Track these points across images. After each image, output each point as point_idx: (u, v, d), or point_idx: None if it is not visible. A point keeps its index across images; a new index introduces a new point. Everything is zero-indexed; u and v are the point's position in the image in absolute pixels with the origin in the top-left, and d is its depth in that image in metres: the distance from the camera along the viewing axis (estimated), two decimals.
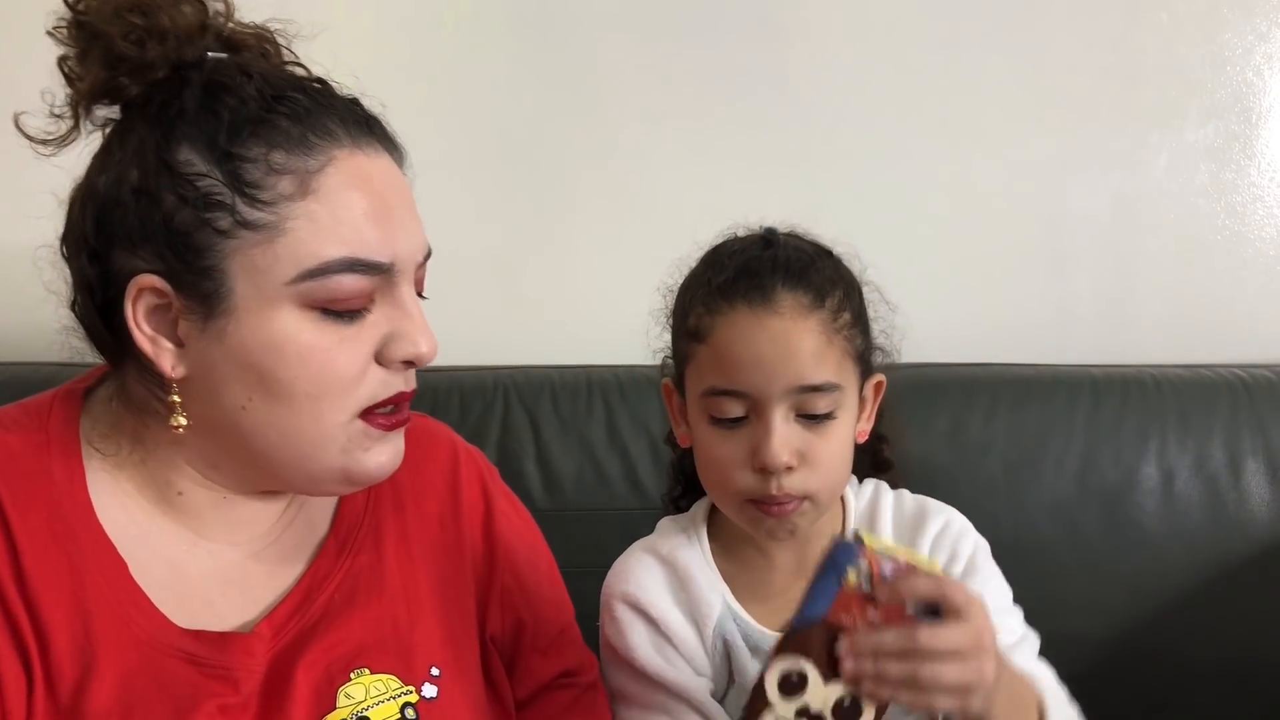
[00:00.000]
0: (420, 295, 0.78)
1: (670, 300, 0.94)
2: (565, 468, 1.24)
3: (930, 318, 1.39)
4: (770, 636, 0.89)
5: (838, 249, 0.92)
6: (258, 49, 0.76)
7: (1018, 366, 1.34)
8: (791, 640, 0.72)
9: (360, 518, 0.82)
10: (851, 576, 0.70)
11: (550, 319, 1.43)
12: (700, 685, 0.88)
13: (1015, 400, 1.28)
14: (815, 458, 0.85)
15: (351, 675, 0.75)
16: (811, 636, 0.71)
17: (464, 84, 1.40)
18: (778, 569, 0.92)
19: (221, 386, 0.72)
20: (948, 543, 0.96)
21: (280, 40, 0.78)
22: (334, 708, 0.74)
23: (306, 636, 0.75)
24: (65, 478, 0.73)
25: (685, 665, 0.88)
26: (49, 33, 0.74)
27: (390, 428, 0.75)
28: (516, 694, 0.86)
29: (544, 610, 0.89)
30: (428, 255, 0.77)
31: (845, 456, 0.89)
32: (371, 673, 0.76)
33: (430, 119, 1.39)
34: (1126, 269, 1.46)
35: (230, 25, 0.75)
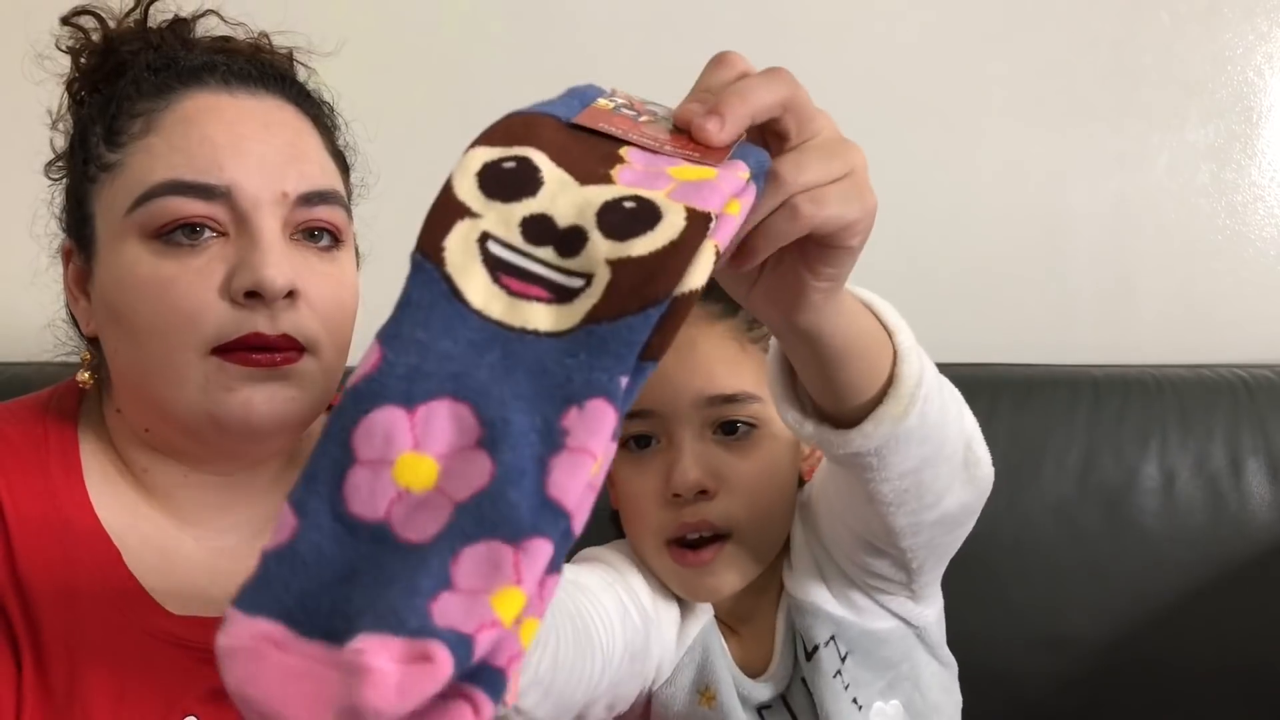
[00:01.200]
0: (330, 237, 0.75)
1: None
2: None
3: (930, 318, 1.38)
4: (750, 684, 0.82)
5: None
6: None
7: (1018, 366, 1.34)
8: (502, 128, 0.45)
9: None
10: (602, 101, 0.50)
11: None
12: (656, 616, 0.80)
13: (1015, 400, 1.28)
14: (734, 479, 0.78)
15: None
16: (543, 126, 0.45)
17: (464, 84, 1.40)
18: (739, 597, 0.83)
19: (103, 335, 0.74)
20: None
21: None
22: None
23: None
24: (62, 470, 0.74)
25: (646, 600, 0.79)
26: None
27: (248, 364, 0.70)
28: None
29: None
30: (316, 197, 0.73)
31: (774, 486, 0.81)
32: None
33: (431, 120, 1.39)
34: (1127, 269, 1.45)
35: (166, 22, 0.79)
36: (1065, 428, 1.26)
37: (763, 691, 0.82)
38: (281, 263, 0.70)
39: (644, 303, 0.40)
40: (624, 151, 0.45)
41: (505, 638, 0.36)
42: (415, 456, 0.37)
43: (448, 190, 0.42)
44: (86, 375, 0.77)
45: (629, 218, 0.41)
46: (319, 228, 0.74)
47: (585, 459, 0.38)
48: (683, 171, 0.44)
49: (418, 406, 0.38)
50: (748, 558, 0.80)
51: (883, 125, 1.42)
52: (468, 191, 0.42)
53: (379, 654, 0.34)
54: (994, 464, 1.28)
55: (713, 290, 0.79)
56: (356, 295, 0.78)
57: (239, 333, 0.70)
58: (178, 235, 0.69)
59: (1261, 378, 1.31)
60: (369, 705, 0.33)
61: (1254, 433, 1.26)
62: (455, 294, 0.40)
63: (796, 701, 0.81)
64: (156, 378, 0.71)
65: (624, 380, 0.39)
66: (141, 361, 0.71)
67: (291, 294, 0.71)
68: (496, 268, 0.41)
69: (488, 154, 0.43)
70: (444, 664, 0.34)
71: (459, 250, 0.41)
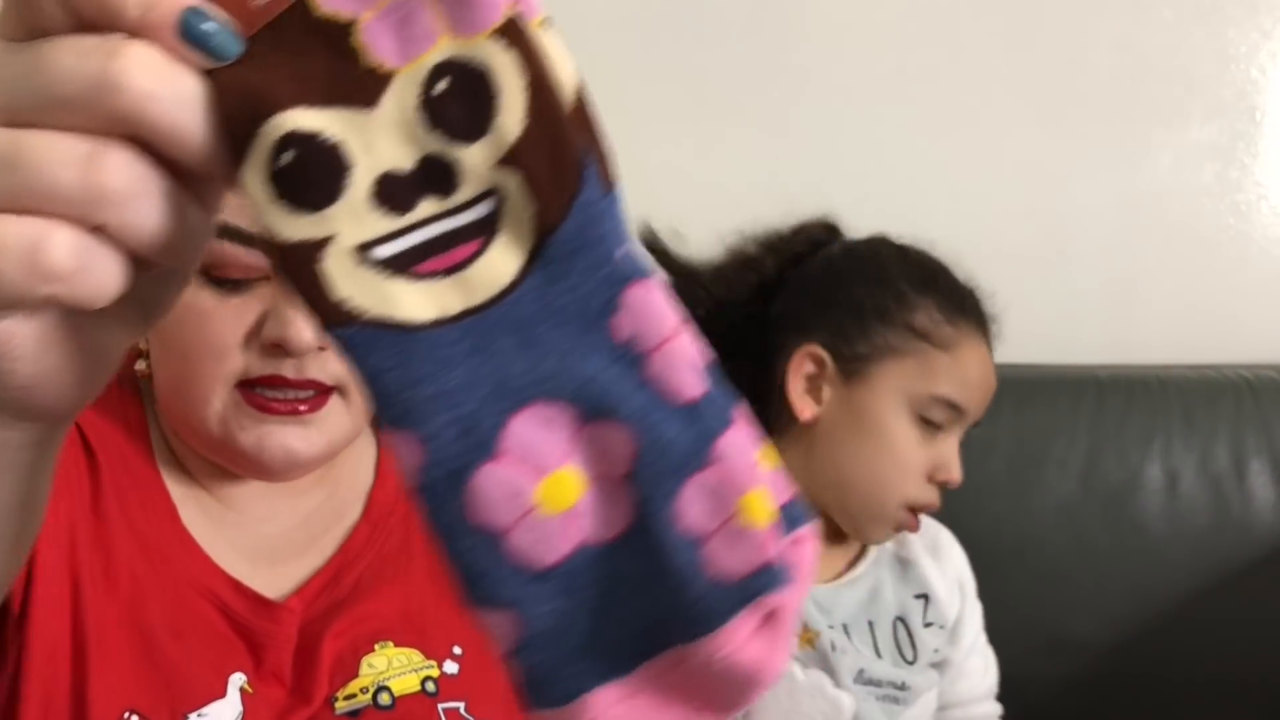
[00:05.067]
0: None
1: (835, 277, 0.94)
2: None
3: None
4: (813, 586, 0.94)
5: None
6: None
7: (1021, 366, 1.33)
8: (226, 106, 0.30)
9: (391, 506, 0.83)
10: None
11: None
12: None
13: (1018, 400, 1.28)
14: None
15: (375, 647, 0.76)
16: (253, 70, 0.30)
17: None
18: None
19: (150, 338, 0.75)
20: (964, 576, 1.05)
21: None
22: (356, 675, 0.74)
23: (335, 609, 0.76)
24: (138, 421, 0.77)
25: None
26: None
27: (264, 409, 0.71)
28: None
29: None
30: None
31: None
32: (395, 646, 0.76)
33: None
34: (1130, 268, 1.45)
35: None
36: (1068, 428, 1.26)
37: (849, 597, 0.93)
38: (309, 319, 0.71)
39: (576, 167, 0.32)
40: (325, 10, 0.31)
41: (772, 531, 0.33)
42: (547, 481, 0.32)
43: (273, 244, 0.32)
44: (144, 364, 0.77)
45: (462, 102, 0.31)
46: None
47: (672, 348, 0.33)
48: None
49: (499, 445, 0.32)
50: None
51: (885, 125, 1.41)
52: (287, 221, 0.31)
53: (738, 644, 0.32)
54: (997, 464, 1.28)
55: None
56: None
57: (264, 371, 0.71)
58: (220, 273, 0.70)
59: (1266, 378, 1.31)
60: (764, 683, 0.33)
61: (1258, 433, 1.26)
62: (405, 329, 0.32)
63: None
64: (184, 397, 0.73)
65: (627, 248, 0.33)
66: (172, 378, 0.73)
67: (323, 346, 0.71)
68: (404, 266, 0.32)
69: (258, 162, 0.31)
70: (789, 599, 0.33)
71: (356, 286, 0.32)
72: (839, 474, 0.91)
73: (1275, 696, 1.24)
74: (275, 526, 0.78)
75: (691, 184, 1.40)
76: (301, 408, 0.71)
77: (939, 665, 0.97)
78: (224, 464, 0.76)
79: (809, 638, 0.89)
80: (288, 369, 0.70)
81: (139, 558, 0.71)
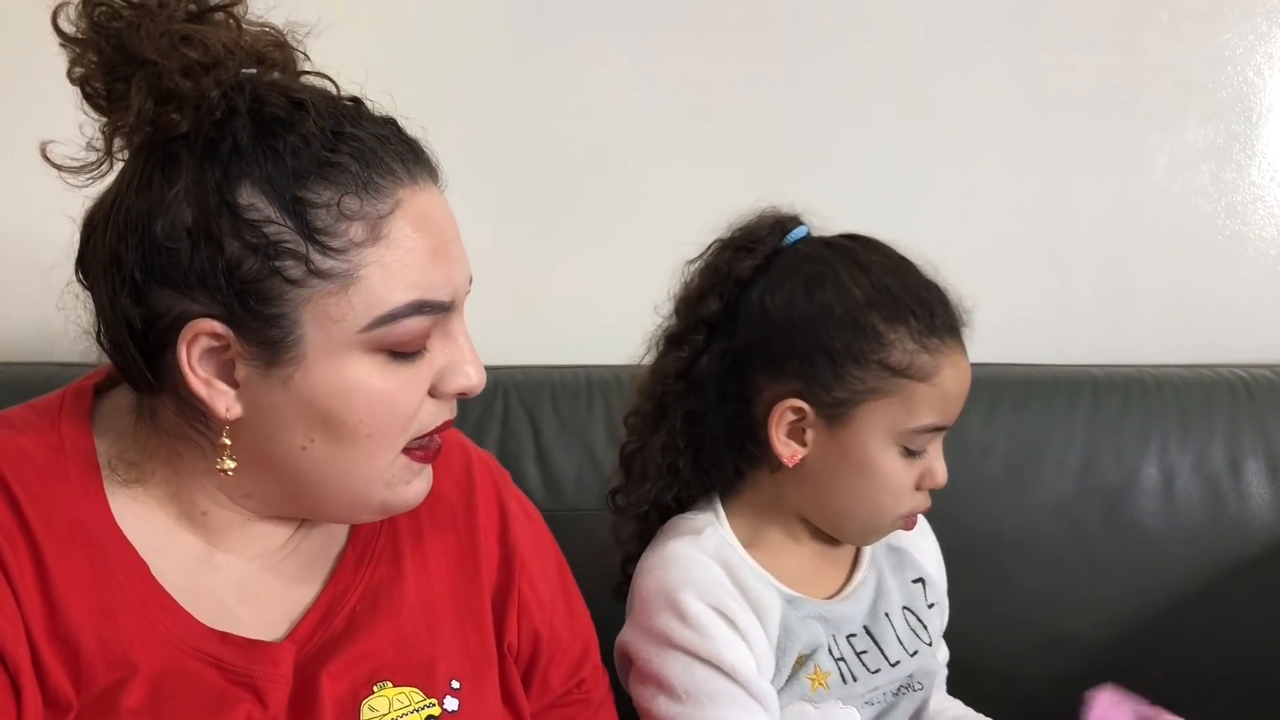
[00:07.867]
0: None
1: (813, 323, 0.89)
2: (565, 468, 1.23)
3: None
4: (825, 606, 0.94)
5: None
6: (280, 62, 0.73)
7: (1018, 366, 1.34)
8: None
9: (377, 530, 0.81)
10: None
11: (550, 319, 1.43)
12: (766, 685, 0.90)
13: (1016, 400, 1.28)
14: None
15: (374, 688, 0.74)
16: None
17: (463, 84, 1.40)
18: (806, 550, 0.96)
19: (281, 428, 0.71)
20: (939, 556, 1.06)
21: (292, 42, 0.74)
22: None
23: (330, 649, 0.75)
24: (80, 481, 0.72)
25: (750, 658, 0.89)
26: (66, 39, 0.69)
27: (428, 460, 0.76)
28: (530, 706, 0.85)
29: (560, 622, 0.87)
30: (470, 279, 0.76)
31: None
32: (394, 686, 0.75)
33: (428, 120, 1.39)
34: (1127, 269, 1.46)
35: (250, 34, 0.71)
36: (1065, 427, 1.27)
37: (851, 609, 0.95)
38: (478, 360, 0.75)
39: None
40: None
41: None
42: None
43: None
44: (231, 464, 0.72)
45: None
46: None
47: None
48: None
49: None
50: None
51: (882, 125, 1.42)
52: None
53: None
54: (994, 464, 1.29)
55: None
56: None
57: (436, 424, 0.75)
58: (409, 348, 0.72)
59: (1261, 378, 1.31)
60: None
61: (1253, 433, 1.27)
62: None
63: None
64: (353, 475, 0.73)
65: None
66: (341, 460, 0.72)
67: None
68: None
69: None
70: None
71: None
72: (832, 504, 0.93)
73: (1271, 692, 1.24)
74: (266, 561, 0.77)
75: (689, 185, 1.40)
76: (439, 445, 0.77)
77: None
78: (320, 516, 0.78)
79: (821, 679, 0.91)
80: (447, 412, 0.76)
81: (114, 639, 0.69)
